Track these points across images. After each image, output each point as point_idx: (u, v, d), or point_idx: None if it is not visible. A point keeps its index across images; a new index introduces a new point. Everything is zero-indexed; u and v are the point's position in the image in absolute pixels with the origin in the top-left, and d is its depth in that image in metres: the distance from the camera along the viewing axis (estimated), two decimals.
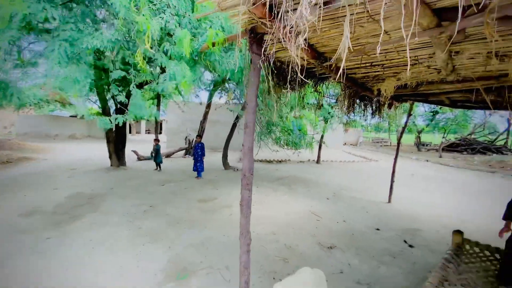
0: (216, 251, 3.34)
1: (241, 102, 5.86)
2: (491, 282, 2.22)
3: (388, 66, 2.17)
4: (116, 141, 9.13)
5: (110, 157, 9.08)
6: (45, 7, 2.14)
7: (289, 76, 1.66)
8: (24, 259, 2.96)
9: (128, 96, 8.19)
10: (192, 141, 13.73)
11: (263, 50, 1.60)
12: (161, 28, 2.19)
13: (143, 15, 2.08)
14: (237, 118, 8.57)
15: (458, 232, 2.77)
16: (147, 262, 3.02)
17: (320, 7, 1.12)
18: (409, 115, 5.45)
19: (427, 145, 23.30)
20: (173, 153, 13.07)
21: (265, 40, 1.50)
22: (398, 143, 5.88)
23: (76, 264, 2.89)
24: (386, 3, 1.14)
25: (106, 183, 6.71)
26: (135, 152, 11.20)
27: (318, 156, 12.39)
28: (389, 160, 9.43)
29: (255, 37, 1.75)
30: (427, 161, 15.25)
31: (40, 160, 10.03)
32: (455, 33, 1.30)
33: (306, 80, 1.84)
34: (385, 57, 1.96)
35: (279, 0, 1.34)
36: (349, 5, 1.16)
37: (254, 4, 1.42)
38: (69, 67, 2.27)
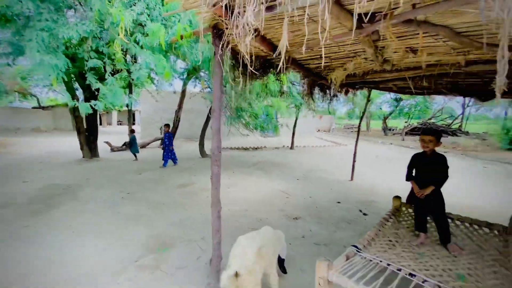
0: (194, 227, 3.66)
1: (208, 89, 6.07)
2: (415, 233, 2.79)
3: (334, 58, 2.56)
4: (88, 132, 8.91)
5: (82, 148, 8.87)
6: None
7: (249, 67, 1.96)
8: (5, 246, 3.07)
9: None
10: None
11: (224, 44, 1.88)
12: (133, 20, 2.35)
13: (116, 7, 2.22)
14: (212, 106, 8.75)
15: (397, 197, 3.33)
16: (128, 241, 3.26)
17: (262, 12, 1.43)
18: (368, 101, 6.04)
19: (392, 129, 25.02)
20: (149, 143, 12.94)
21: (224, 36, 1.78)
22: (359, 128, 6.50)
23: (58, 248, 3.06)
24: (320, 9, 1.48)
25: (80, 174, 6.66)
26: (108, 143, 10.97)
27: (292, 142, 12.98)
28: (359, 144, 10.16)
29: (218, 32, 2.02)
30: (391, 144, 16.55)
31: (2, 155, 9.50)
32: (371, 33, 1.68)
33: (255, 72, 2.14)
34: (329, 50, 2.33)
35: (233, 3, 1.63)
36: (287, 11, 1.49)
37: (214, 5, 1.69)
38: (48, 56, 2.35)
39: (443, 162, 2.51)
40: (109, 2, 2.23)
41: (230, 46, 1.75)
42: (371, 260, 2.04)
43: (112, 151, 10.83)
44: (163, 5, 2.58)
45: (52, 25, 2.34)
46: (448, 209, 2.71)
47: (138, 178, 6.48)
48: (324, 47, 2.19)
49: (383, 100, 22.13)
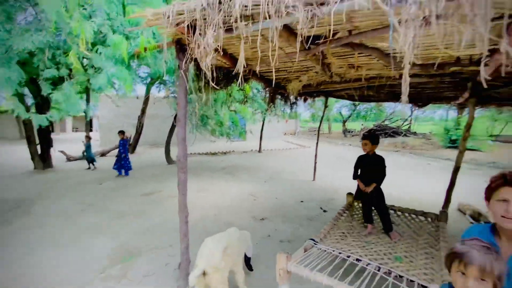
0: (161, 235, 3.66)
1: (173, 95, 6.08)
2: (364, 225, 3.17)
3: (290, 71, 2.83)
4: (40, 141, 8.20)
5: (33, 159, 8.13)
6: None
7: (210, 80, 2.11)
8: None
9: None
10: (130, 138, 13.04)
11: (187, 59, 2.02)
12: (95, 32, 2.33)
13: (75, 18, 2.19)
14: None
15: (350, 194, 3.72)
16: (91, 253, 3.16)
17: (221, 34, 1.61)
18: (325, 107, 6.55)
19: (351, 132, 26.87)
20: (109, 151, 12.24)
21: (187, 52, 1.92)
22: (318, 131, 7.00)
23: (17, 263, 2.86)
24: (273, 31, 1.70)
25: (33, 187, 6.12)
26: (63, 152, 10.14)
27: (260, 146, 13.31)
28: (320, 146, 10.79)
29: (181, 47, 2.15)
30: (350, 145, 17.82)
31: None
32: (317, 52, 1.96)
33: (216, 87, 2.30)
34: (285, 65, 2.59)
35: (193, 21, 1.77)
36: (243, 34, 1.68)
37: (177, 24, 1.82)
38: (1, 69, 2.20)
39: (381, 162, 2.92)
40: (67, 12, 2.20)
41: (193, 59, 1.89)
42: (325, 251, 2.31)
43: (68, 160, 10.04)
44: (124, 15, 2.61)
45: (5, 36, 2.22)
46: (395, 202, 3.16)
47: (98, 188, 6.16)
48: (280, 62, 2.44)
49: (342, 104, 23.72)
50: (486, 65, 1.94)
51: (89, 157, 8.55)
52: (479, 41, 1.10)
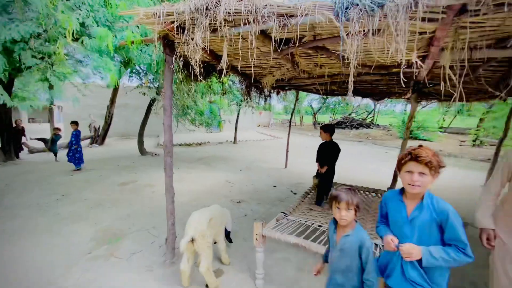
0: (143, 219, 3.86)
1: (156, 86, 6.10)
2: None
3: (265, 67, 3.17)
4: (1, 132, 7.65)
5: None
6: None
7: (198, 73, 2.37)
8: None
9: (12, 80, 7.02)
10: (98, 129, 12.51)
11: (176, 55, 2.26)
12: (80, 24, 2.40)
13: (62, 11, 2.24)
14: (152, 101, 8.57)
15: (315, 176, 4.24)
16: (75, 237, 3.28)
17: (208, 35, 1.89)
18: (296, 99, 7.04)
19: (321, 123, 28.23)
20: None
21: (175, 47, 2.16)
22: (290, 123, 7.50)
23: None
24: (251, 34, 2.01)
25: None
26: (25, 144, 9.49)
27: (235, 137, 13.59)
28: (292, 137, 11.37)
29: (167, 42, 2.37)
30: (319, 136, 18.86)
31: None
32: (287, 53, 2.32)
33: (201, 80, 2.56)
34: (260, 62, 2.91)
35: (182, 22, 2.02)
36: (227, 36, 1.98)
37: (165, 23, 2.05)
38: None
39: (333, 148, 3.48)
40: (52, 4, 2.25)
41: (180, 55, 2.13)
42: (293, 220, 2.75)
43: (30, 152, 9.44)
44: (106, 8, 2.69)
45: None
46: (355, 182, 3.69)
47: (70, 179, 6.05)
48: (256, 59, 2.76)
49: (312, 98, 24.75)
50: (418, 68, 2.48)
51: (53, 150, 8.21)
52: (398, 53, 1.54)
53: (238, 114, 12.73)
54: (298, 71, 3.01)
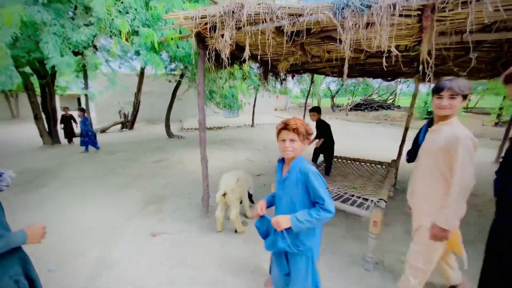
0: (179, 188, 4.61)
1: (186, 74, 6.77)
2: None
3: (280, 54, 3.63)
4: (47, 118, 8.76)
5: (42, 135, 8.71)
6: (39, 9, 2.67)
7: (226, 64, 2.91)
8: (14, 219, 3.64)
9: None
10: (128, 114, 13.55)
11: (209, 49, 2.81)
12: (130, 26, 2.99)
13: (116, 16, 2.84)
14: (177, 87, 9.29)
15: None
16: (128, 199, 4.09)
17: (234, 33, 2.41)
18: (311, 82, 7.37)
19: (339, 106, 27.92)
20: (109, 127, 12.80)
21: (207, 42, 2.70)
22: (305, 105, 7.87)
23: (67, 212, 3.74)
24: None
25: (51, 159, 6.86)
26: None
27: (253, 121, 14.16)
28: (309, 119, 11.75)
29: (200, 39, 2.92)
30: (336, 118, 18.90)
31: None
32: (299, 43, 2.79)
33: (227, 68, 3.05)
34: (276, 50, 3.37)
35: (213, 23, 2.55)
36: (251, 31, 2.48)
37: (199, 24, 2.59)
38: (66, 56, 2.87)
39: (324, 127, 4.25)
40: (108, 11, 2.84)
41: (211, 49, 2.68)
42: None
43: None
44: (147, 10, 3.26)
45: (62, 30, 2.86)
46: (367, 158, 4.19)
47: (112, 158, 6.98)
48: (272, 48, 3.23)
49: (331, 80, 24.44)
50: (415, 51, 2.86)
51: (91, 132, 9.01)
52: (380, 42, 1.98)
53: (256, 98, 13.19)
54: (309, 57, 3.45)
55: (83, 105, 10.46)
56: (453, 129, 1.61)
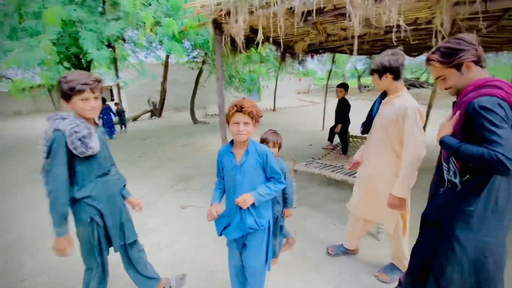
0: (205, 168, 4.96)
1: (205, 59, 7.01)
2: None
3: (296, 34, 3.65)
4: None
5: None
6: (75, 8, 3.03)
7: (241, 47, 3.06)
8: None
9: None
10: (156, 103, 14.28)
11: (225, 35, 2.96)
12: (154, 17, 3.24)
13: (140, 9, 3.11)
14: (199, 74, 9.61)
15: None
16: (159, 179, 4.53)
17: (247, 17, 2.53)
18: (333, 62, 7.21)
19: (367, 86, 26.60)
20: (139, 115, 13.66)
21: (223, 28, 2.85)
22: (326, 86, 7.76)
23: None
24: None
25: None
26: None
27: (274, 104, 14.17)
28: (331, 101, 11.56)
29: (217, 25, 3.07)
30: (362, 99, 18.15)
31: (5, 136, 10.07)
32: (312, 23, 2.83)
33: (243, 52, 3.19)
34: (291, 31, 3.42)
35: (228, 9, 2.68)
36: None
37: (215, 11, 2.74)
38: (102, 50, 3.26)
39: (344, 108, 4.31)
40: (134, 4, 3.09)
41: (226, 33, 2.83)
42: (319, 162, 3.45)
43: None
44: (168, 1, 3.47)
45: (96, 26, 3.21)
46: None
47: (144, 143, 7.57)
48: (287, 29, 3.29)
49: (357, 58, 23.24)
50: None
51: (122, 122, 9.73)
52: (389, 17, 1.99)
53: (277, 81, 13.12)
54: (325, 36, 3.45)
55: (115, 96, 11.18)
56: (402, 101, 1.69)
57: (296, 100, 19.66)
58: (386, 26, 3.25)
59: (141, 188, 4.15)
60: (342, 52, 5.41)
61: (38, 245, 2.72)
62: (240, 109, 1.37)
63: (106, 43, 3.53)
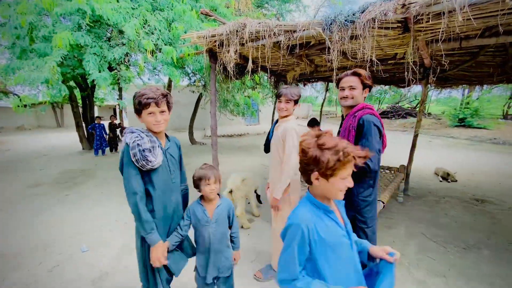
0: None
1: (202, 84, 7.36)
2: None
3: (286, 65, 3.92)
4: (87, 126, 9.81)
5: (81, 141, 9.76)
6: (83, 34, 3.34)
7: (232, 74, 3.28)
8: (55, 210, 4.23)
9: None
10: None
11: (219, 62, 3.19)
12: (154, 45, 3.52)
13: (143, 37, 3.40)
14: (200, 97, 9.97)
15: None
16: None
17: (238, 48, 2.76)
18: (326, 91, 7.53)
19: None
20: None
21: (217, 56, 3.09)
22: (321, 112, 8.03)
23: (100, 206, 4.29)
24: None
25: (88, 162, 7.71)
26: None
27: None
28: (331, 127, 11.88)
29: (212, 54, 3.32)
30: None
31: (4, 151, 10.16)
32: (302, 56, 3.07)
33: (237, 78, 3.41)
34: (283, 62, 3.69)
35: (221, 40, 2.92)
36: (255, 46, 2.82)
37: (210, 42, 2.99)
38: (103, 72, 3.51)
39: None
40: (137, 33, 3.38)
41: (221, 62, 3.06)
42: None
43: None
44: (169, 31, 3.78)
45: (100, 50, 3.49)
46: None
47: None
48: (277, 60, 3.54)
49: None
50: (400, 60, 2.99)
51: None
52: (363, 53, 2.20)
53: (274, 107, 13.50)
54: (313, 67, 3.70)
55: (117, 114, 11.50)
56: (286, 124, 2.14)
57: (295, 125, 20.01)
58: (362, 60, 3.51)
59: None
60: (332, 81, 5.71)
61: (22, 260, 2.71)
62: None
63: (107, 66, 3.77)
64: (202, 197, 1.65)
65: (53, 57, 3.21)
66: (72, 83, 8.71)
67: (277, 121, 2.36)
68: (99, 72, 3.57)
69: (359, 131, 1.77)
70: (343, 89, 1.89)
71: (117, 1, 3.39)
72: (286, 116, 2.21)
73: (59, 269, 2.56)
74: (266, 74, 4.60)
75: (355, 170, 1.00)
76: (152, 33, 3.62)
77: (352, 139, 1.80)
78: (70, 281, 2.39)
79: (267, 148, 2.55)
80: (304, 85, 5.53)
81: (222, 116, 9.45)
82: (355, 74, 1.84)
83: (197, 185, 1.59)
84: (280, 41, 2.66)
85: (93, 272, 2.51)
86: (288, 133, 2.07)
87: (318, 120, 4.25)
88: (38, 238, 3.16)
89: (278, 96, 2.18)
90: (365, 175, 1.75)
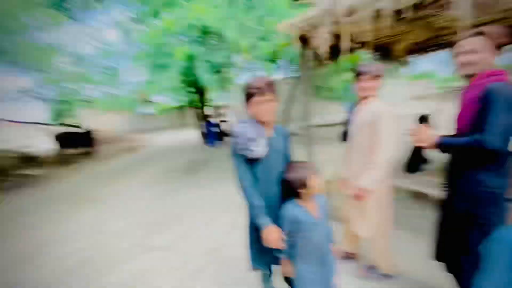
0: None
1: (296, 75, 7.39)
2: None
3: (392, 36, 3.30)
4: (203, 124, 11.70)
5: (204, 137, 11.72)
6: (196, 46, 4.14)
7: (323, 58, 3.08)
8: (191, 190, 5.24)
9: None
10: None
11: (308, 46, 3.07)
12: (251, 44, 3.82)
13: (240, 38, 3.77)
14: (294, 88, 9.99)
15: None
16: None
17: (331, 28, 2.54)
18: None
19: None
20: None
21: (309, 42, 2.97)
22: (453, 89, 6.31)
23: (217, 188, 5.04)
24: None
25: (208, 154, 9.25)
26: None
27: None
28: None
29: (303, 40, 3.22)
30: None
31: (148, 147, 13.54)
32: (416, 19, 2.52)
33: (330, 62, 3.13)
34: (385, 33, 3.11)
35: (313, 26, 2.77)
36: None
37: (301, 28, 2.90)
38: (209, 75, 4.27)
39: None
40: (237, 35, 3.77)
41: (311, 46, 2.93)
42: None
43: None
44: (263, 26, 3.97)
45: (208, 57, 4.18)
46: None
47: None
48: (381, 31, 3.04)
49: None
50: None
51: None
52: None
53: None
54: (433, 30, 2.95)
55: (223, 112, 13.06)
56: (374, 107, 1.88)
57: (407, 108, 16.96)
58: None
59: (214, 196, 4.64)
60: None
61: (165, 225, 3.56)
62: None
63: (215, 70, 4.37)
64: (294, 198, 1.45)
65: (174, 68, 4.01)
66: (191, 88, 10.55)
67: (354, 104, 2.08)
68: (208, 75, 4.16)
69: (483, 104, 1.30)
70: (460, 54, 1.41)
71: (216, 7, 3.84)
72: (367, 98, 1.93)
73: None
74: (367, 52, 4.06)
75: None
76: (247, 32, 3.88)
77: (472, 116, 1.36)
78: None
79: (344, 136, 2.27)
80: (419, 56, 4.53)
81: (318, 104, 9.14)
82: (476, 34, 1.36)
83: (296, 187, 1.39)
84: (381, 10, 2.27)
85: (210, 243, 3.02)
86: (381, 117, 1.81)
87: (428, 117, 3.43)
88: (172, 213, 4.07)
89: (358, 74, 1.90)
90: (484, 157, 1.31)
